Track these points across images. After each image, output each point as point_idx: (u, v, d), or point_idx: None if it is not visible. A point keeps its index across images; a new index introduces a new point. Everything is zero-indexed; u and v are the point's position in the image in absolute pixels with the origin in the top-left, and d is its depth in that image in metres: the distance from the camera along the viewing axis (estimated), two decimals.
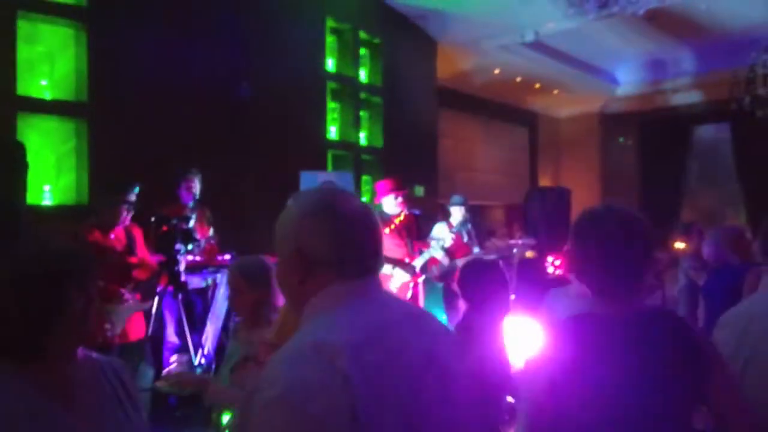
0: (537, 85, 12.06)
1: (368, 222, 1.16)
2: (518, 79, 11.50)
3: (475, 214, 7.73)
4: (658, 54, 11.03)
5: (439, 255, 5.84)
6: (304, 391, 0.92)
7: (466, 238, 6.32)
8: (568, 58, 10.75)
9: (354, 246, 1.12)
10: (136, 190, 4.02)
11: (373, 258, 1.16)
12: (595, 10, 6.18)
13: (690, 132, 13.22)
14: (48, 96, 5.06)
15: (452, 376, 1.12)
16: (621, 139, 14.00)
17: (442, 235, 5.99)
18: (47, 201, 5.03)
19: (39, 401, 1.26)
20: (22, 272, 1.27)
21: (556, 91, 12.59)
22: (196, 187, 4.93)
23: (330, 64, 7.49)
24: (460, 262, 5.97)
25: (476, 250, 6.33)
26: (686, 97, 12.18)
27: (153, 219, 4.01)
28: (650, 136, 13.60)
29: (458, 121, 11.79)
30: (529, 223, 7.42)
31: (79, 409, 1.30)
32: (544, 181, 13.91)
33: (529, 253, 7.41)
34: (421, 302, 5.45)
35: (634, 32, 9.62)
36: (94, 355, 1.45)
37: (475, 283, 2.91)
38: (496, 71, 10.88)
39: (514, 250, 6.49)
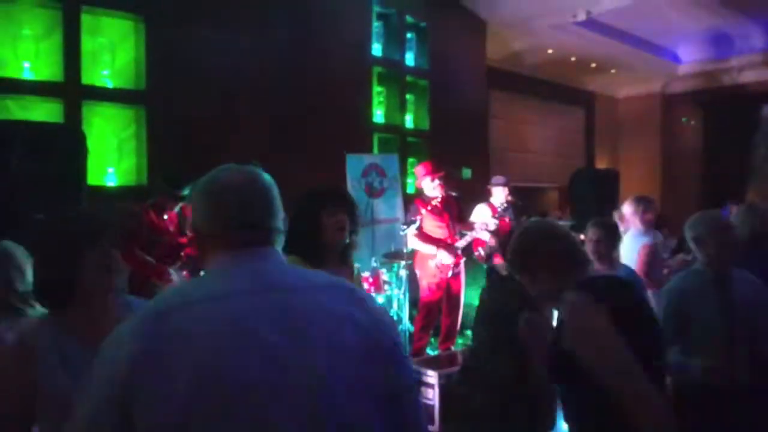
0: (593, 65, 11.80)
1: (249, 195, 1.20)
2: (573, 59, 11.28)
3: (521, 196, 7.74)
4: (722, 30, 10.56)
5: (485, 236, 5.93)
6: (111, 339, 1.08)
7: (507, 220, 6.37)
8: (625, 35, 10.46)
9: (229, 219, 1.18)
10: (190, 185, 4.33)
11: (253, 229, 1.19)
12: None
13: (757, 111, 12.62)
14: (110, 85, 5.46)
15: (288, 353, 1.08)
16: (684, 120, 13.51)
17: (482, 216, 6.07)
18: (111, 182, 5.46)
19: (64, 338, 1.57)
20: (43, 236, 1.65)
21: (613, 71, 12.27)
22: None
23: (376, 49, 7.64)
24: (502, 242, 6.05)
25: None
26: (754, 74, 11.63)
27: None
28: (715, 116, 13.07)
29: (510, 102, 11.71)
30: (575, 207, 7.36)
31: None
32: (601, 163, 13.62)
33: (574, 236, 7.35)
34: (463, 282, 5.56)
35: (697, 7, 9.27)
36: (135, 300, 1.73)
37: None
38: (549, 51, 10.72)
39: None
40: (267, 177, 1.27)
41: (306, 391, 1.07)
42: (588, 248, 3.77)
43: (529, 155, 12.27)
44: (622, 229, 4.55)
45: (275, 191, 1.26)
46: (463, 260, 5.55)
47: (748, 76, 11.78)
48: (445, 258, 5.28)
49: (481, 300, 2.77)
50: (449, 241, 5.39)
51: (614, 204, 7.37)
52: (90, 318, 1.60)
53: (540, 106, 12.54)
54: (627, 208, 4.66)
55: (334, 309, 1.16)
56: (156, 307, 1.10)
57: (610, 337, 1.65)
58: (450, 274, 5.35)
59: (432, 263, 5.32)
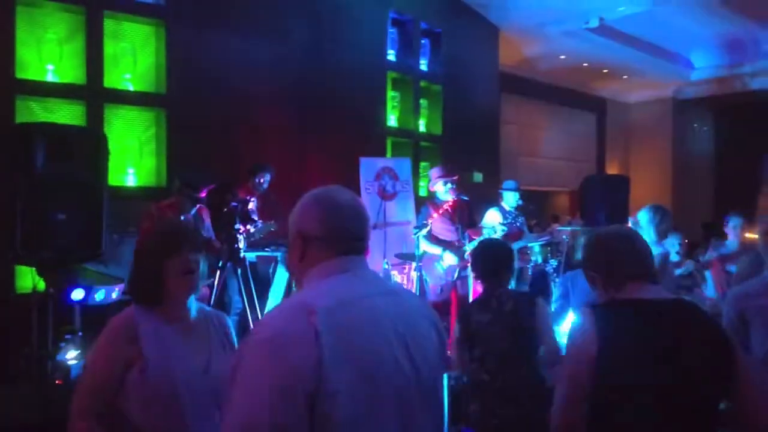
0: (605, 70, 11.84)
1: (356, 211, 1.39)
2: (585, 65, 11.34)
3: (532, 200, 7.80)
4: (735, 36, 10.57)
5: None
6: (284, 338, 1.15)
7: (518, 224, 6.44)
8: (638, 42, 10.49)
9: (343, 229, 1.35)
10: (211, 188, 4.48)
11: (359, 241, 1.38)
12: None
13: None
14: (131, 88, 5.59)
15: (415, 343, 1.32)
16: (696, 125, 13.51)
17: (493, 220, 6.14)
18: (131, 182, 5.59)
19: (166, 328, 1.88)
20: (140, 250, 2.04)
21: (625, 76, 12.31)
22: (266, 181, 5.42)
23: (391, 55, 7.74)
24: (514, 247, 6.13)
25: (528, 235, 6.44)
26: (767, 80, 11.62)
27: (231, 201, 4.45)
28: (727, 122, 13.08)
29: (522, 106, 11.77)
30: (585, 210, 7.40)
31: (194, 339, 1.90)
32: (612, 168, 13.65)
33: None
34: (470, 286, 5.64)
35: (709, 14, 9.29)
36: (207, 309, 2.06)
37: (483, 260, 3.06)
38: (562, 57, 10.78)
39: (564, 237, 6.55)
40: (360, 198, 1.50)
41: (427, 372, 1.32)
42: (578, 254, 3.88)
43: (540, 160, 12.33)
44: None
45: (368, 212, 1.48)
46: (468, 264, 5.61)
47: (761, 82, 11.77)
48: (450, 259, 5.36)
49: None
50: (457, 244, 5.47)
51: (625, 210, 7.42)
52: (175, 311, 1.91)
53: (551, 111, 12.59)
54: (643, 217, 4.70)
55: (423, 310, 1.44)
56: (317, 307, 1.20)
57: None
58: (456, 275, 5.42)
59: (438, 264, 5.40)
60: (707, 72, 12.20)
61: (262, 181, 5.44)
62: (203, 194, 4.56)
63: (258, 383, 1.12)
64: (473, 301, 3.21)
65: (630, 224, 5.74)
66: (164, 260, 1.85)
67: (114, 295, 3.82)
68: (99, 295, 3.73)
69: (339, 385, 1.12)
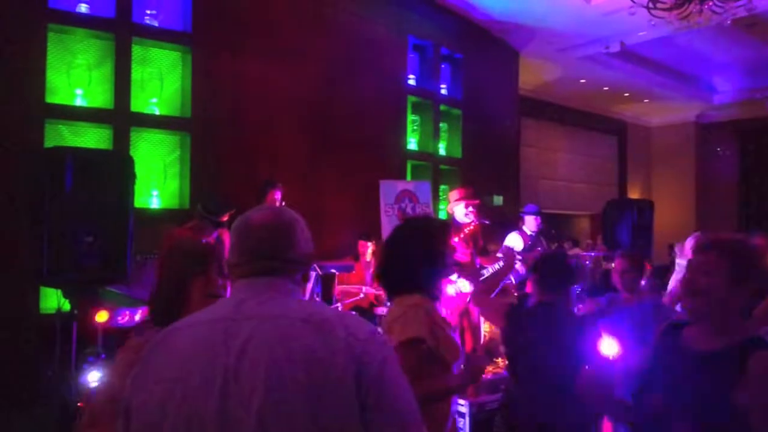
0: (626, 94, 11.81)
1: (265, 230, 1.32)
2: (605, 88, 11.32)
3: (553, 223, 7.75)
4: (758, 60, 10.50)
5: (517, 265, 5.95)
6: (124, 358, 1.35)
7: (539, 248, 6.39)
8: (659, 66, 10.48)
9: (245, 253, 1.32)
10: (231, 211, 4.52)
11: (264, 260, 1.30)
12: (678, 21, 6.09)
13: None
14: (157, 112, 5.70)
15: (238, 377, 1.14)
16: (719, 149, 13.37)
17: (514, 244, 6.10)
18: (155, 204, 5.66)
19: None
20: (162, 271, 1.92)
21: (646, 100, 12.25)
22: (279, 197, 5.36)
23: (412, 79, 7.81)
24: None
25: None
26: None
27: None
28: (752, 147, 12.92)
29: (542, 130, 11.76)
30: (608, 235, 7.34)
31: None
32: (634, 192, 13.52)
33: (605, 266, 7.35)
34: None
35: (731, 39, 9.26)
36: None
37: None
38: (582, 81, 10.79)
39: (587, 262, 6.48)
40: (290, 214, 1.38)
41: (246, 413, 1.12)
42: (614, 278, 3.83)
43: (560, 183, 12.27)
44: (679, 261, 4.56)
45: (298, 226, 1.36)
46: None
47: None
48: (464, 286, 5.30)
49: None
50: (472, 269, 5.41)
51: (649, 234, 7.34)
52: None
53: (572, 134, 12.56)
54: (690, 243, 4.64)
55: (302, 341, 1.17)
56: (166, 329, 1.30)
57: None
58: (467, 301, 5.37)
59: (451, 289, 5.35)
60: (730, 96, 12.12)
61: (275, 198, 5.36)
62: (224, 218, 4.60)
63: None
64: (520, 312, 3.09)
65: (675, 250, 5.68)
66: (188, 279, 1.80)
67: (137, 318, 3.85)
68: (123, 318, 3.76)
69: (138, 404, 1.20)
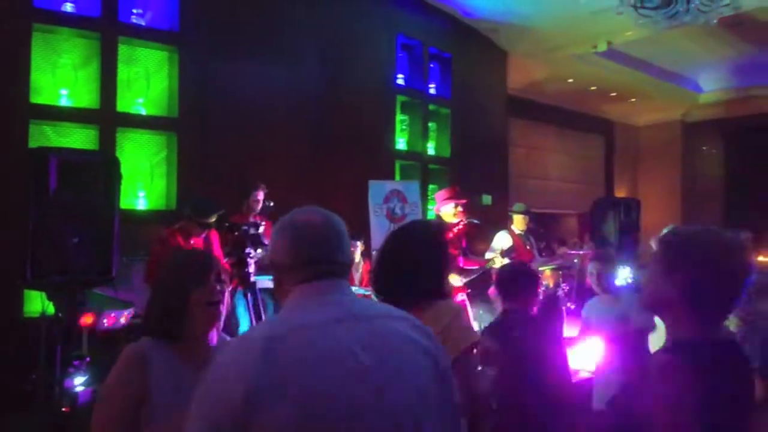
0: (613, 94, 11.87)
1: (324, 234, 1.33)
2: (593, 88, 11.37)
3: (541, 222, 7.78)
4: (742, 60, 10.61)
5: (502, 263, 5.96)
6: (216, 373, 1.15)
7: (528, 247, 6.41)
8: (646, 65, 10.54)
9: (309, 254, 1.31)
10: (219, 213, 4.47)
11: (330, 264, 1.31)
12: (665, 20, 6.12)
13: None
14: (144, 112, 5.64)
15: (388, 377, 1.18)
16: (705, 148, 13.48)
17: (502, 244, 6.11)
18: (142, 206, 5.60)
19: (182, 366, 1.73)
20: (159, 280, 1.86)
21: (633, 99, 12.33)
22: (261, 198, 5.25)
23: (400, 79, 7.79)
24: None
25: (538, 258, 6.41)
26: None
27: (226, 225, 4.45)
28: (737, 145, 13.04)
29: (530, 129, 11.80)
30: (596, 234, 7.38)
31: None
32: (621, 191, 13.61)
33: None
34: (470, 312, 5.58)
35: (715, 39, 9.34)
36: (228, 338, 1.88)
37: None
38: (570, 80, 10.83)
39: (575, 260, 6.51)
40: (337, 217, 1.39)
41: (399, 405, 1.18)
42: (591, 281, 3.86)
43: (548, 182, 12.31)
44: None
45: (344, 229, 1.38)
46: (467, 291, 5.53)
47: None
48: (454, 281, 5.29)
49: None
50: (460, 268, 5.40)
51: (637, 233, 7.39)
52: (195, 348, 1.77)
53: (559, 134, 12.61)
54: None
55: (411, 337, 1.28)
56: (259, 338, 1.18)
57: None
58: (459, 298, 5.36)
59: None
60: (716, 95, 12.21)
61: (258, 199, 5.25)
62: (212, 220, 4.56)
63: (194, 413, 1.14)
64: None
65: (652, 244, 5.71)
66: (188, 293, 1.74)
67: (123, 320, 3.81)
68: (109, 321, 3.72)
69: (273, 420, 1.08)
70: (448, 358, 1.35)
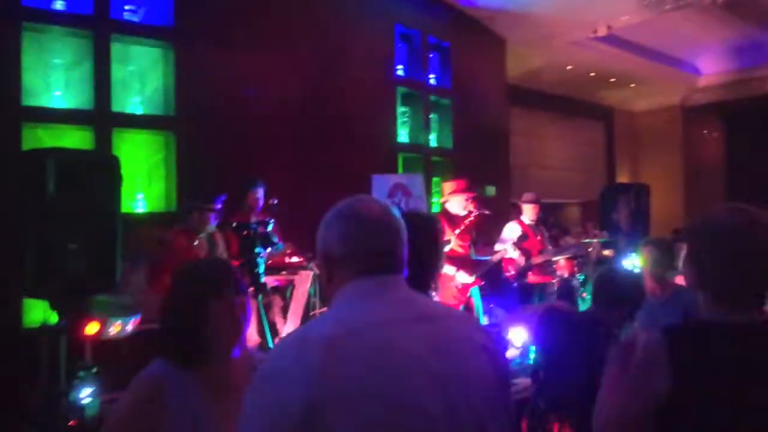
0: (612, 79, 11.75)
1: (384, 225, 1.21)
2: (592, 74, 11.25)
3: (548, 212, 7.65)
4: (741, 41, 10.49)
5: (515, 255, 5.85)
6: (274, 373, 1.05)
7: (539, 237, 6.29)
8: (644, 50, 10.42)
9: (366, 246, 1.19)
10: (223, 198, 4.31)
11: (387, 257, 1.20)
12: (671, 1, 5.98)
13: None
14: (140, 111, 5.47)
15: (456, 382, 1.11)
16: (706, 132, 13.38)
17: (512, 234, 5.99)
18: (140, 208, 5.43)
19: (201, 397, 1.55)
20: (172, 297, 1.64)
21: (632, 85, 12.21)
22: (261, 196, 5.08)
23: (400, 70, 7.64)
24: (535, 261, 5.97)
25: (549, 248, 6.28)
26: None
27: (234, 225, 4.29)
28: (737, 128, 12.94)
29: (530, 118, 11.67)
30: (605, 221, 7.26)
31: (225, 408, 1.52)
32: (622, 177, 13.50)
33: (606, 252, 7.26)
34: (479, 306, 5.46)
35: (714, 20, 9.21)
36: (255, 353, 1.74)
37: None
38: (569, 67, 10.69)
39: (590, 249, 6.38)
40: (396, 208, 1.30)
41: (468, 413, 1.11)
42: (643, 270, 3.60)
43: (549, 171, 12.19)
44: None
45: (402, 222, 1.27)
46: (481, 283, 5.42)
47: None
48: (463, 278, 5.17)
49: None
50: (471, 261, 5.30)
51: (647, 219, 7.26)
52: (216, 370, 1.59)
53: (559, 122, 12.49)
54: None
55: (472, 337, 1.22)
56: (319, 338, 1.06)
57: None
58: (468, 295, 5.25)
59: (452, 284, 5.21)
60: (715, 78, 12.10)
61: (258, 197, 5.08)
62: (218, 206, 4.39)
63: (250, 423, 1.05)
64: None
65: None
66: (203, 308, 1.56)
67: (129, 328, 3.65)
68: (114, 328, 3.56)
69: (337, 430, 0.98)
70: (506, 358, 1.29)
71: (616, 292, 2.82)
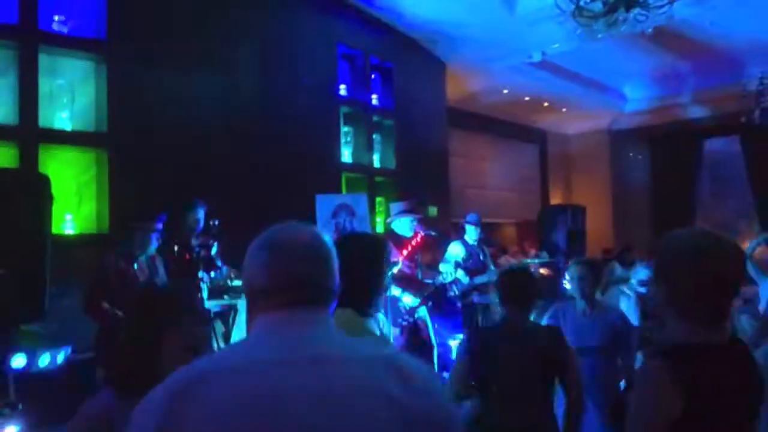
0: (545, 104, 12.15)
1: (308, 254, 1.13)
2: (526, 98, 11.58)
3: (486, 232, 7.76)
4: (665, 70, 11.09)
5: (459, 274, 5.88)
6: (140, 410, 1.00)
7: (481, 257, 6.35)
8: (576, 76, 10.85)
9: (286, 278, 1.11)
10: (164, 218, 4.10)
11: (310, 288, 1.12)
12: (605, 29, 6.24)
13: (700, 146, 13.26)
14: (69, 127, 5.16)
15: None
16: (631, 155, 14.03)
17: (456, 254, 6.02)
18: (69, 230, 5.10)
19: None
20: (124, 324, 1.55)
21: (564, 109, 12.66)
22: (201, 217, 4.84)
23: (343, 90, 7.60)
24: (477, 280, 6.02)
25: (491, 268, 6.34)
26: (695, 111, 12.22)
27: (175, 248, 4.08)
28: (661, 151, 13.63)
29: (468, 140, 11.87)
30: (545, 242, 7.42)
31: None
32: (556, 198, 13.92)
33: (544, 271, 7.42)
34: (430, 327, 5.44)
35: (640, 49, 9.68)
36: None
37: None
38: (505, 91, 10.98)
39: (532, 269, 6.49)
40: (326, 237, 1.21)
41: None
42: (572, 286, 3.77)
43: (486, 192, 12.41)
44: None
45: (334, 252, 1.19)
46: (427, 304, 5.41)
47: (690, 113, 12.37)
48: (409, 300, 5.14)
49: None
50: (418, 283, 5.28)
51: (584, 239, 7.49)
52: None
53: (496, 144, 12.78)
54: None
55: (376, 386, 1.04)
56: (172, 383, 1.01)
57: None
58: (416, 315, 5.22)
59: (400, 305, 5.17)
60: (640, 104, 12.73)
61: (198, 218, 4.82)
62: (159, 225, 4.18)
63: None
64: (490, 329, 3.15)
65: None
66: (161, 334, 1.46)
67: (59, 360, 3.37)
68: (43, 361, 3.28)
69: None
70: (433, 405, 1.07)
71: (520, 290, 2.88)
